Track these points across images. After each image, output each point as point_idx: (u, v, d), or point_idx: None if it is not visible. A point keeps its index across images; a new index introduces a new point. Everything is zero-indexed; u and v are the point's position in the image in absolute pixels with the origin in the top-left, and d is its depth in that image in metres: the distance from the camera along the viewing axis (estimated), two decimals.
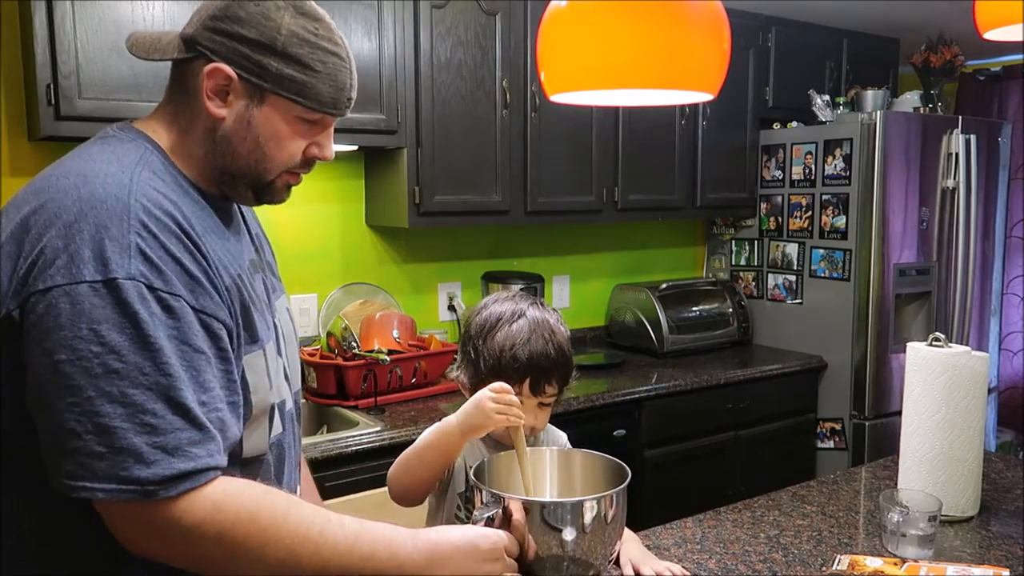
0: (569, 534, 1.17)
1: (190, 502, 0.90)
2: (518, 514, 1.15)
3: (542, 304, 1.48)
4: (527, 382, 1.39)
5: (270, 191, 1.12)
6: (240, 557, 0.93)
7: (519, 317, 1.41)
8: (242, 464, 1.07)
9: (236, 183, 1.10)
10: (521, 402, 1.33)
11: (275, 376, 1.13)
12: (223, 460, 0.94)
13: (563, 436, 1.58)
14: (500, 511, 1.17)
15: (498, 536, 1.12)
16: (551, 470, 1.40)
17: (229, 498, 0.92)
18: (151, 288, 0.91)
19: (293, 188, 1.15)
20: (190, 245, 0.98)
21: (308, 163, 1.12)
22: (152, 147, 1.05)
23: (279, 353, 1.16)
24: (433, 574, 1.04)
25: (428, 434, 1.34)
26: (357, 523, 1.01)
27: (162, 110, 1.10)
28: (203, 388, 0.94)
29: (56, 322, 0.88)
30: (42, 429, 0.90)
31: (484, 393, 1.28)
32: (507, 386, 1.29)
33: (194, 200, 1.05)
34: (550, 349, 1.40)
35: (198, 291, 0.96)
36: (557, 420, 1.57)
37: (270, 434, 1.13)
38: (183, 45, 1.05)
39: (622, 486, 1.23)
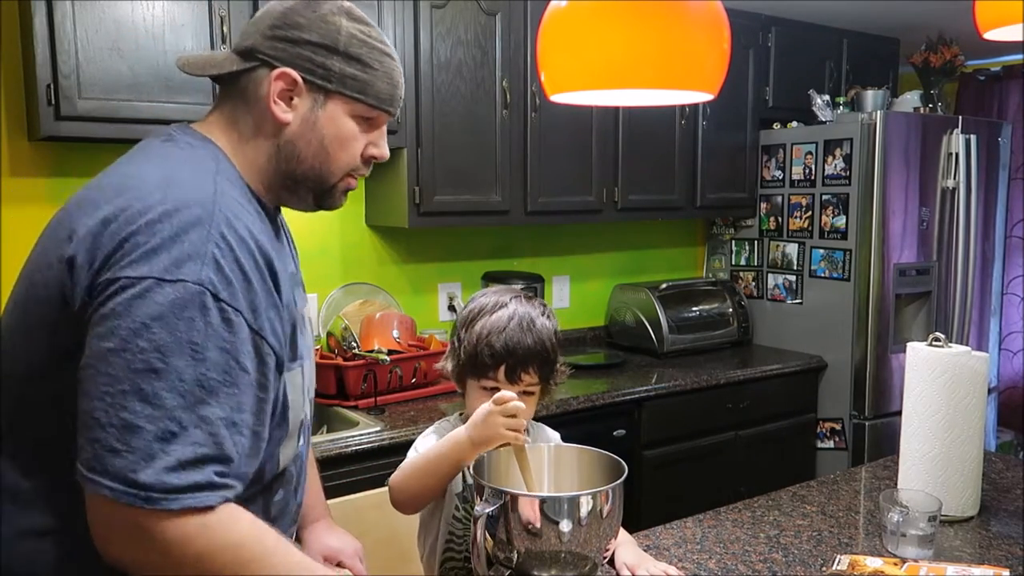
0: (566, 527, 1.18)
1: (185, 518, 0.89)
2: None
3: (530, 299, 1.49)
4: (502, 369, 1.40)
5: (331, 195, 1.15)
6: None
7: (500, 308, 1.43)
8: (272, 479, 1.09)
9: (298, 187, 1.12)
10: (500, 390, 1.35)
11: (308, 391, 1.16)
12: (234, 486, 0.93)
13: (556, 435, 1.58)
14: (500, 507, 1.18)
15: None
16: (549, 466, 1.41)
17: (222, 524, 0.91)
18: (216, 297, 0.92)
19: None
20: (263, 264, 0.99)
21: (366, 163, 1.15)
22: (223, 155, 1.07)
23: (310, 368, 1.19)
24: None
25: (439, 446, 1.34)
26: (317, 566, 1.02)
27: (217, 120, 1.12)
28: (237, 409, 0.93)
29: (114, 310, 0.88)
30: (79, 410, 0.90)
31: (488, 408, 1.28)
32: (508, 394, 1.29)
33: (256, 211, 1.07)
34: (527, 339, 1.40)
35: (259, 311, 0.97)
36: (557, 420, 1.58)
37: (296, 448, 1.14)
38: (240, 58, 1.08)
39: (619, 480, 1.25)
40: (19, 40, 2.32)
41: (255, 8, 2.36)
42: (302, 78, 1.06)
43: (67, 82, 2.12)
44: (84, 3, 2.12)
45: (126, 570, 0.93)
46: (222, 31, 2.31)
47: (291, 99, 1.08)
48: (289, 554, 0.98)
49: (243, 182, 1.07)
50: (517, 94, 2.90)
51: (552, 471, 1.41)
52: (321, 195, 1.14)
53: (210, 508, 0.90)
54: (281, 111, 1.07)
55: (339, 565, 1.39)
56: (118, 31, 2.18)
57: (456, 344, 1.45)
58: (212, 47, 2.31)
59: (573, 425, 2.64)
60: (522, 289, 3.04)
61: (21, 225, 2.43)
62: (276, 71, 1.06)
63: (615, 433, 2.84)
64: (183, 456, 0.88)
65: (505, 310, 1.43)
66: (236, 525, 0.93)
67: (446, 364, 1.49)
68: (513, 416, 1.28)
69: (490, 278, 3.17)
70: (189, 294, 0.90)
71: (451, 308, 3.22)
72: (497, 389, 1.37)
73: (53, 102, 2.12)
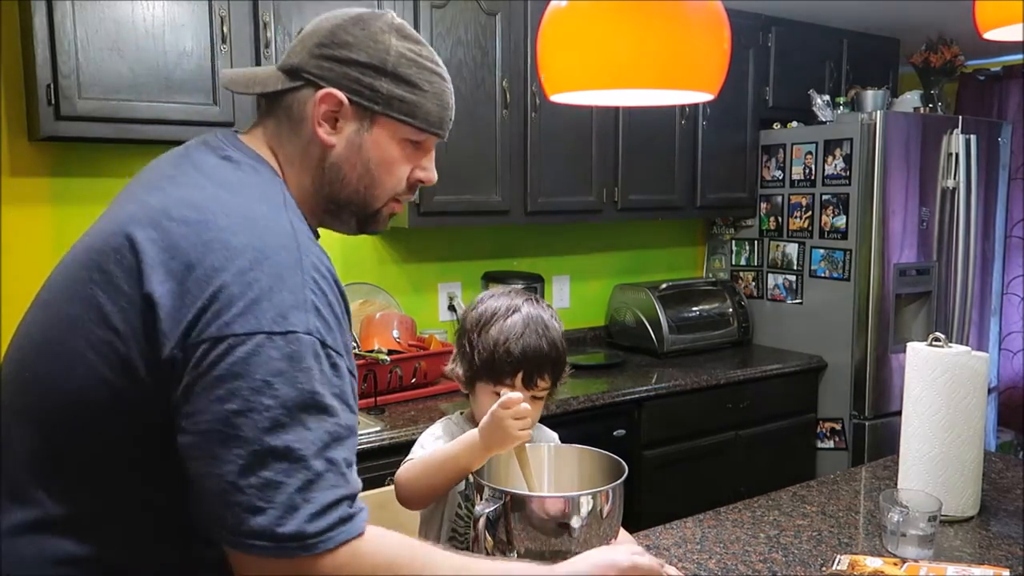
0: (567, 528, 1.18)
1: (336, 552, 0.89)
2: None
3: (537, 300, 1.49)
4: (520, 375, 1.40)
5: (375, 220, 1.12)
6: None
7: (514, 312, 1.43)
8: None
9: (342, 212, 1.10)
10: None
11: None
12: (364, 510, 0.93)
13: (554, 436, 1.58)
14: (500, 507, 1.18)
15: (637, 558, 1.09)
16: (548, 466, 1.41)
17: (370, 546, 0.91)
18: (323, 344, 0.91)
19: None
20: (342, 300, 0.98)
21: (412, 188, 1.13)
22: (282, 182, 1.04)
23: None
24: None
25: (449, 448, 1.34)
26: (491, 565, 1.01)
27: (263, 138, 1.08)
28: (352, 446, 0.94)
29: (230, 371, 0.86)
30: (201, 477, 0.88)
31: (500, 411, 1.28)
32: (515, 395, 1.30)
33: (317, 246, 1.04)
34: (543, 344, 1.41)
35: (349, 351, 0.96)
36: (557, 420, 1.58)
37: None
38: (285, 76, 1.05)
39: (619, 480, 1.25)
40: (19, 40, 2.32)
41: (255, 8, 2.37)
42: (348, 99, 1.03)
43: (67, 82, 2.12)
44: (84, 3, 2.12)
45: None
46: (222, 31, 2.31)
47: (336, 121, 1.04)
48: (439, 556, 0.98)
49: (299, 209, 1.04)
50: (517, 94, 2.90)
51: (552, 471, 1.41)
52: (365, 219, 1.12)
53: (357, 536, 0.90)
54: (326, 133, 1.04)
55: None
56: (118, 31, 2.18)
57: (467, 348, 1.44)
58: (212, 47, 2.31)
59: (573, 425, 2.64)
60: (522, 289, 3.06)
61: (21, 225, 2.43)
62: (321, 92, 1.03)
63: (615, 433, 2.84)
64: (324, 501, 0.87)
65: (519, 315, 1.42)
66: (383, 543, 0.93)
67: (455, 368, 1.48)
68: (522, 417, 1.28)
69: (490, 278, 3.17)
70: (302, 345, 0.88)
71: (451, 308, 3.22)
72: None
73: (53, 102, 2.12)
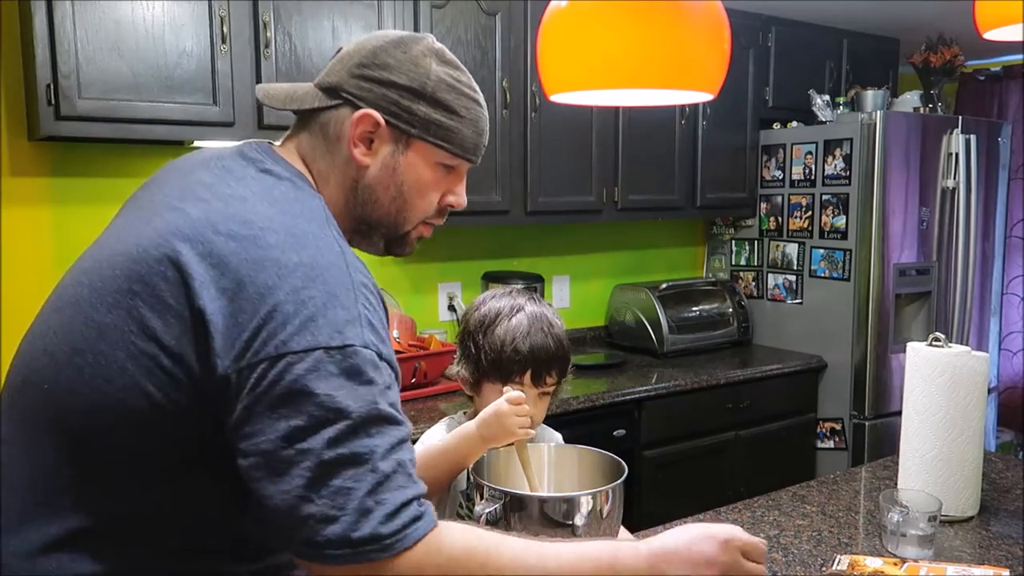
0: (567, 528, 1.18)
1: (411, 550, 0.88)
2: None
3: (538, 299, 1.51)
4: (528, 373, 1.42)
5: (403, 242, 1.13)
6: None
7: (518, 311, 1.44)
8: None
9: (372, 233, 1.10)
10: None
11: None
12: (430, 506, 0.94)
13: (558, 436, 1.59)
14: (500, 507, 1.18)
15: (736, 544, 1.03)
16: (549, 466, 1.42)
17: (443, 540, 0.91)
18: (380, 356, 0.91)
19: None
20: (385, 311, 0.99)
21: (442, 212, 1.13)
22: (322, 199, 1.03)
23: None
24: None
25: (447, 441, 1.35)
26: (573, 546, 0.99)
27: (297, 153, 1.07)
28: (412, 452, 0.94)
29: (291, 389, 0.85)
30: (268, 495, 0.87)
31: (503, 406, 1.29)
32: (521, 394, 1.31)
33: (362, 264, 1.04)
34: (549, 342, 1.43)
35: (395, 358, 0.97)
36: (557, 420, 1.58)
37: None
38: (324, 94, 1.05)
39: (619, 481, 1.24)
40: (19, 40, 2.32)
41: (255, 8, 2.37)
42: (385, 121, 1.03)
43: (67, 82, 2.12)
44: (84, 3, 2.12)
45: None
46: (222, 31, 2.31)
47: (372, 142, 1.04)
48: (510, 540, 0.97)
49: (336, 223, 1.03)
50: (517, 94, 2.90)
51: (552, 471, 1.41)
52: (393, 242, 1.12)
53: (431, 529, 0.90)
54: (361, 153, 1.04)
55: None
56: (118, 31, 2.18)
57: (472, 349, 1.45)
58: (212, 47, 2.31)
59: (573, 425, 2.64)
60: (523, 289, 3.06)
61: (21, 225, 2.43)
62: (359, 112, 1.02)
63: (615, 433, 2.84)
64: (396, 501, 0.88)
65: (523, 313, 1.44)
66: (455, 536, 0.93)
67: (460, 369, 1.49)
68: (524, 415, 1.30)
69: (490, 278, 3.17)
70: (361, 359, 0.89)
71: (451, 308, 3.22)
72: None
73: (53, 102, 2.12)
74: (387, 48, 1.04)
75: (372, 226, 1.09)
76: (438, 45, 1.08)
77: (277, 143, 1.10)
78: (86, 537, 0.92)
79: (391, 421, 0.90)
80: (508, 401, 1.30)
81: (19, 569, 0.92)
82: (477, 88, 1.10)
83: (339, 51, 1.09)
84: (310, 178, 1.05)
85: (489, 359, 1.42)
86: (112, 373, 0.90)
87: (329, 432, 0.86)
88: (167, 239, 0.91)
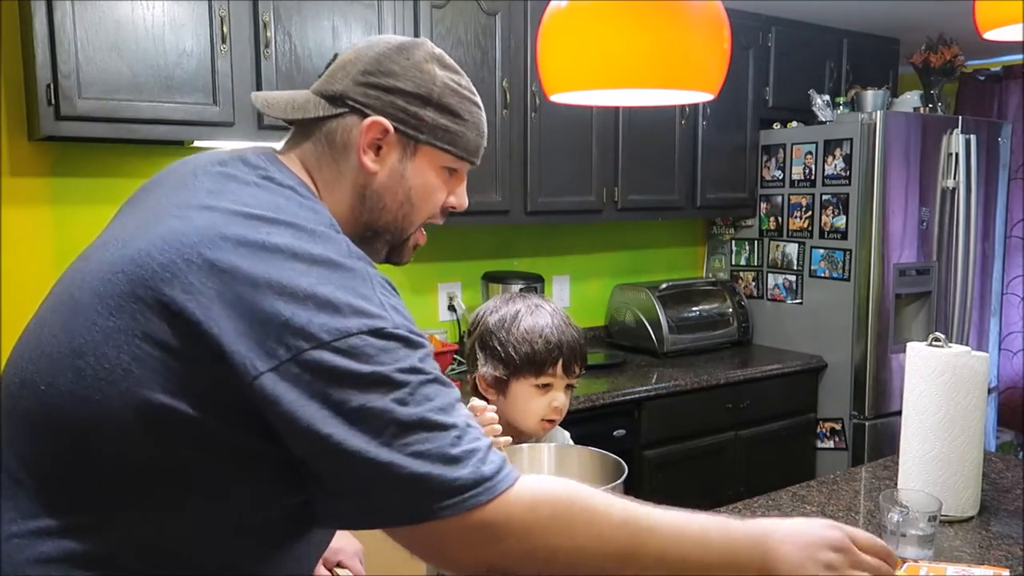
0: None
1: (519, 491, 0.88)
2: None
3: (548, 301, 1.57)
4: (560, 363, 1.46)
5: (402, 249, 1.14)
6: (586, 537, 0.89)
7: (537, 308, 1.50)
8: None
9: (376, 239, 1.10)
10: (553, 385, 1.46)
11: None
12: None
13: (566, 434, 1.60)
14: None
15: (844, 529, 1.01)
16: (549, 466, 1.41)
17: (538, 481, 0.91)
18: (411, 332, 0.91)
19: None
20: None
21: (443, 213, 1.15)
22: (324, 206, 1.02)
23: None
24: (765, 555, 0.96)
25: None
26: (674, 511, 0.98)
27: (299, 161, 1.07)
28: (467, 409, 0.94)
29: (331, 376, 0.84)
30: (341, 478, 0.86)
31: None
32: (482, 403, 1.35)
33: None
34: (574, 332, 1.50)
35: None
36: None
37: None
38: (327, 102, 1.05)
39: (619, 481, 1.24)
40: (19, 40, 2.32)
41: (255, 8, 2.37)
42: (393, 127, 1.04)
43: (67, 82, 2.12)
44: (84, 3, 2.12)
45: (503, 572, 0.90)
46: (222, 31, 2.31)
47: (379, 149, 1.05)
48: (612, 496, 0.96)
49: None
50: (517, 94, 2.90)
51: (553, 471, 1.41)
52: (394, 248, 1.13)
53: (518, 480, 0.89)
54: (370, 161, 1.04)
55: (339, 565, 1.38)
56: (118, 31, 2.18)
57: (499, 348, 1.47)
58: (212, 47, 2.31)
59: (573, 425, 2.61)
60: (522, 289, 3.06)
61: (21, 225, 2.43)
62: (368, 120, 1.03)
63: (615, 433, 2.84)
64: (481, 446, 0.88)
65: (544, 310, 1.50)
66: (545, 484, 0.92)
67: (487, 371, 1.50)
68: (488, 424, 1.30)
69: (490, 278, 3.17)
70: (393, 338, 0.88)
71: (451, 308, 3.22)
72: (549, 386, 1.46)
73: (53, 102, 2.12)
74: (390, 55, 1.05)
75: (378, 232, 1.09)
76: (437, 50, 1.09)
77: (278, 147, 1.09)
78: (79, 538, 0.90)
79: (443, 383, 0.91)
80: (471, 411, 1.32)
81: (15, 568, 0.91)
82: (475, 91, 1.12)
83: (335, 58, 1.08)
84: (313, 187, 1.05)
85: (521, 353, 1.45)
86: (116, 376, 0.88)
87: (389, 401, 0.85)
88: (170, 243, 0.90)
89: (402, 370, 0.87)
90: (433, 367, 0.92)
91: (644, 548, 0.91)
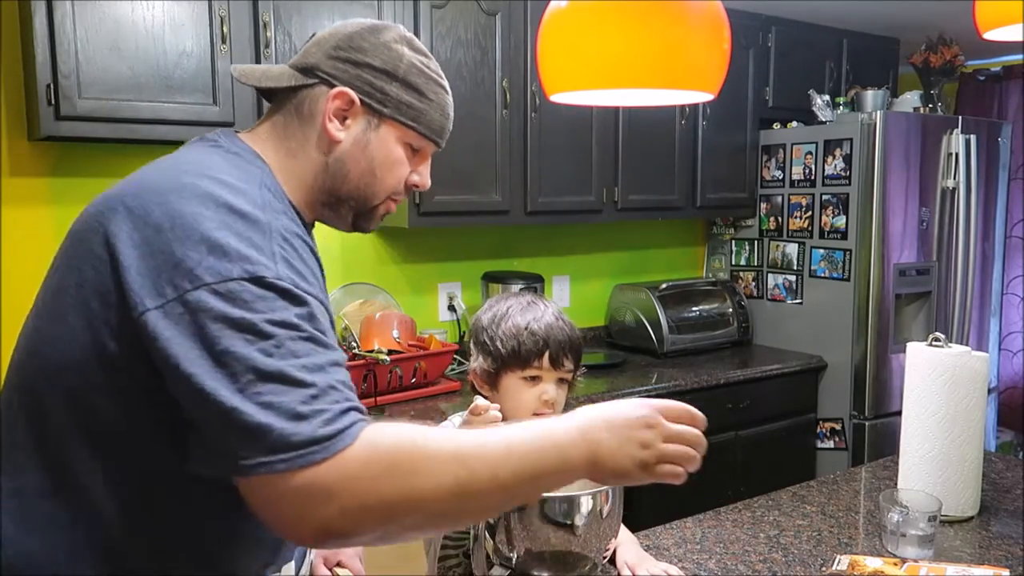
0: (567, 528, 1.19)
1: (355, 449, 0.88)
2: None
3: (545, 299, 1.58)
4: (546, 355, 1.46)
5: (369, 217, 1.17)
6: (418, 480, 0.89)
7: (530, 304, 1.52)
8: None
9: (340, 206, 1.14)
10: (541, 378, 1.46)
11: None
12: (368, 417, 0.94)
13: None
14: None
15: (653, 405, 1.06)
16: None
17: (378, 434, 0.91)
18: (296, 286, 0.93)
19: None
20: (319, 266, 1.02)
21: (407, 190, 1.19)
22: (268, 169, 1.08)
23: None
24: (590, 447, 0.97)
25: None
26: (504, 429, 0.98)
27: (267, 132, 1.13)
28: (345, 373, 0.94)
29: (208, 315, 0.87)
30: (200, 417, 0.88)
31: (470, 417, 1.34)
32: (484, 403, 1.35)
33: (298, 225, 1.06)
34: (562, 324, 1.50)
35: (330, 309, 0.99)
36: None
37: None
38: (299, 74, 1.11)
39: None
40: (19, 40, 2.32)
41: (255, 8, 2.37)
42: (359, 99, 1.09)
43: (67, 82, 2.12)
44: (84, 3, 2.12)
45: (316, 543, 0.93)
46: (222, 31, 2.31)
47: (345, 119, 1.10)
48: (436, 429, 0.97)
49: (284, 193, 1.08)
50: (517, 94, 2.90)
51: None
52: (360, 215, 1.16)
53: (363, 429, 0.90)
54: (335, 129, 1.09)
55: (339, 564, 1.39)
56: (118, 31, 2.18)
57: (488, 343, 1.49)
58: (212, 47, 2.31)
59: None
60: (522, 289, 3.06)
61: (21, 225, 2.43)
62: (335, 90, 1.08)
63: None
64: (334, 410, 0.88)
65: (535, 306, 1.51)
66: (386, 428, 0.92)
67: (479, 365, 1.52)
68: (491, 423, 1.31)
69: (490, 278, 3.17)
70: (274, 288, 0.90)
71: (451, 308, 3.22)
72: (537, 378, 1.46)
73: (53, 102, 2.12)
74: (362, 33, 1.11)
75: (342, 199, 1.13)
76: (408, 34, 1.15)
77: (245, 131, 1.15)
78: (51, 492, 0.96)
79: (316, 341, 0.91)
80: (472, 412, 1.33)
81: None
82: (443, 75, 1.17)
83: (313, 35, 1.14)
84: (272, 155, 1.10)
85: (508, 347, 1.46)
86: (62, 329, 0.96)
87: (252, 349, 0.87)
88: (104, 201, 1.00)
89: (272, 321, 0.89)
90: (315, 326, 0.93)
91: (476, 475, 0.91)
